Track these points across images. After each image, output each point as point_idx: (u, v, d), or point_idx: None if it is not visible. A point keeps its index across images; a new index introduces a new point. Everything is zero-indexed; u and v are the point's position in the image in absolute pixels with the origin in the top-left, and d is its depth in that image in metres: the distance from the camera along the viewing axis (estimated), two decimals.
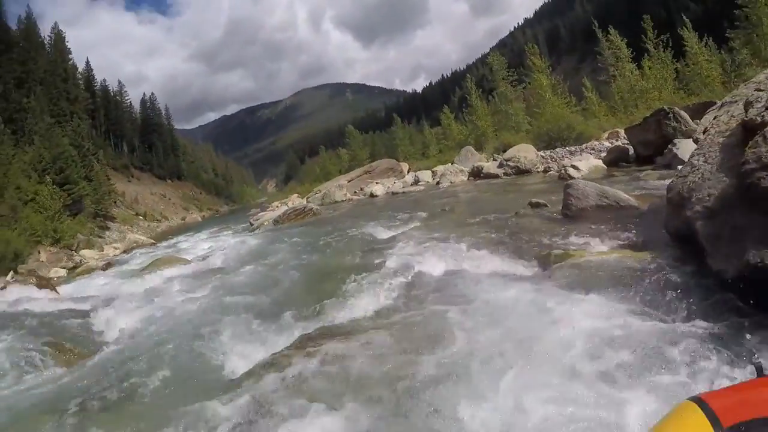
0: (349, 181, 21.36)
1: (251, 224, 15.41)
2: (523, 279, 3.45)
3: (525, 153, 14.05)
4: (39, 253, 18.98)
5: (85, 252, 21.92)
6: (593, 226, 4.23)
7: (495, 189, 10.92)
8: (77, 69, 53.74)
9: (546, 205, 5.93)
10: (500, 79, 30.35)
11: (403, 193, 15.13)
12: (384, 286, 3.92)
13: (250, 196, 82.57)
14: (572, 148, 15.41)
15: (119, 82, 69.01)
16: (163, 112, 77.18)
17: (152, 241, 23.55)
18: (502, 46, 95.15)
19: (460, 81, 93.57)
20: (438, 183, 15.52)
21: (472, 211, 7.15)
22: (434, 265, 4.21)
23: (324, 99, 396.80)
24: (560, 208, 5.15)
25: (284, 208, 16.38)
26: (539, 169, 13.25)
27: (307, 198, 21.40)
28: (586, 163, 10.66)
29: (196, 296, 5.28)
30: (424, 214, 7.97)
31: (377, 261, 4.77)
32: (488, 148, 21.23)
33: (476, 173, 14.60)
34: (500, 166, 13.84)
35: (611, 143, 13.50)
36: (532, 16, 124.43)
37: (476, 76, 61.30)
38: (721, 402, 0.55)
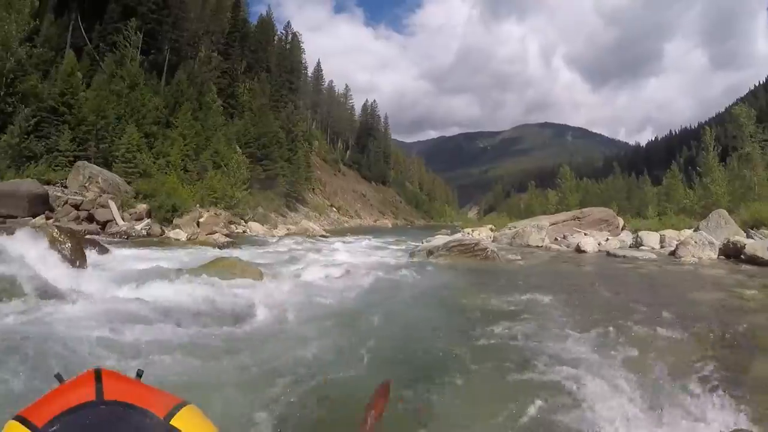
0: (551, 224, 17.40)
1: (421, 243, 13.68)
2: None
3: None
4: (208, 211, 20.36)
5: (254, 224, 23.39)
6: None
7: None
8: (304, 64, 60.26)
9: None
10: (747, 136, 24.50)
11: (624, 257, 11.12)
12: None
13: (449, 217, 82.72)
14: None
15: (346, 85, 78.50)
16: (382, 119, 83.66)
17: (324, 233, 23.90)
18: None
19: (689, 140, 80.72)
20: (674, 253, 10.82)
21: None
22: None
23: (544, 138, 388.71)
24: None
25: (458, 235, 14.52)
26: None
27: (495, 233, 19.21)
28: None
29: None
30: (680, 325, 4.04)
31: None
32: (738, 221, 14.77)
33: (734, 252, 9.86)
34: None
35: None
36: None
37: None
38: (33, 411, 0.65)
